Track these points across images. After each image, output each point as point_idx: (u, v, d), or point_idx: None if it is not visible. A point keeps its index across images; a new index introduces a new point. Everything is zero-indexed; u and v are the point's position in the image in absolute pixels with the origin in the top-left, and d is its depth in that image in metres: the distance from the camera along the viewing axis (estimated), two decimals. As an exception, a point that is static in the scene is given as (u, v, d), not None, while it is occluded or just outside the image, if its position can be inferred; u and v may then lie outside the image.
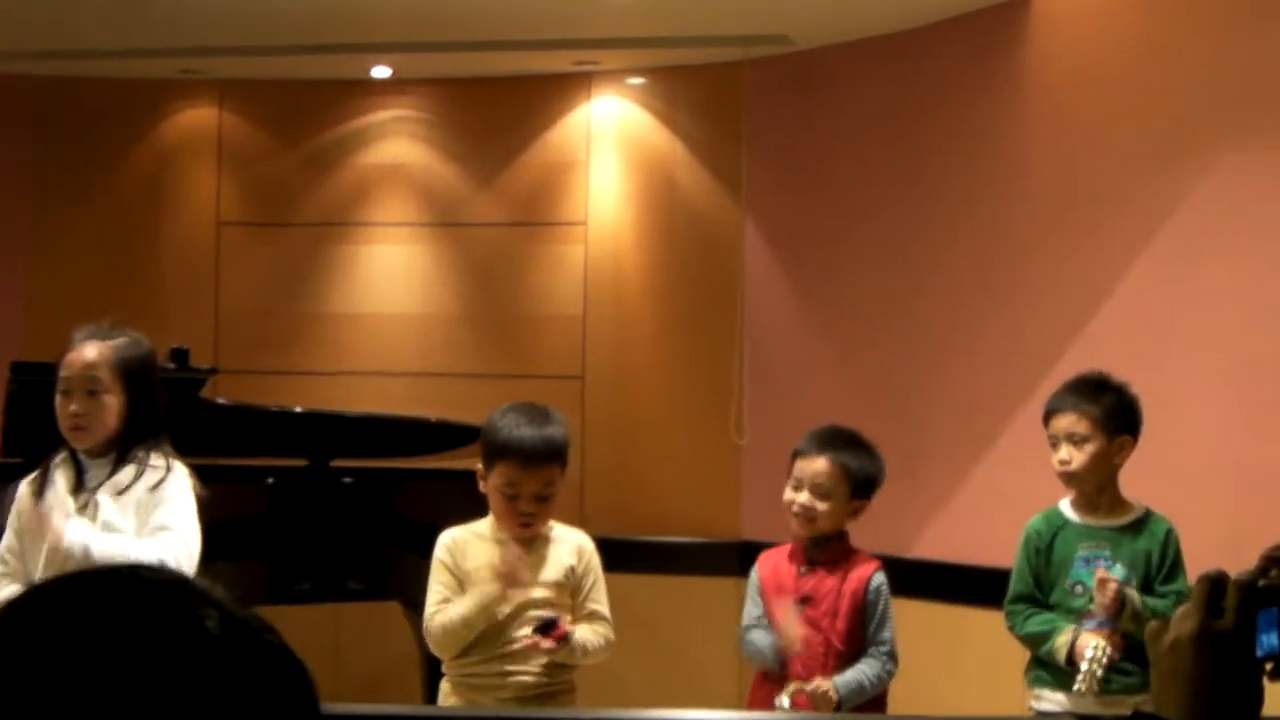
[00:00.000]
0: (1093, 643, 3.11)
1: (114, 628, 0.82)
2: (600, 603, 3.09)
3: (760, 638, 3.16)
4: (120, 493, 2.83)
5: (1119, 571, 3.15)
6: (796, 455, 3.22)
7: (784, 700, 3.04)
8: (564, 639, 2.95)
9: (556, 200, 5.76)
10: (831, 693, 3.04)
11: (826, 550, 3.18)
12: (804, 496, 3.14)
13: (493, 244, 5.80)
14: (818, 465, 3.16)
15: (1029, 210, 4.55)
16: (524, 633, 2.99)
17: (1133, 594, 3.17)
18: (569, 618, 3.03)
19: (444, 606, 3.00)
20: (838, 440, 3.23)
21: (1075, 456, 3.22)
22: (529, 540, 3.04)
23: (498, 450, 2.98)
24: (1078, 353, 4.20)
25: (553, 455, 2.99)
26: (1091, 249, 4.34)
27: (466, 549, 3.03)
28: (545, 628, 2.96)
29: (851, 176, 5.23)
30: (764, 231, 5.55)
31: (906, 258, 4.98)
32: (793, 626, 3.10)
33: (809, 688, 3.03)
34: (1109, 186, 4.35)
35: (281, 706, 0.84)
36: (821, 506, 3.12)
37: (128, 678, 0.80)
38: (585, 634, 3.02)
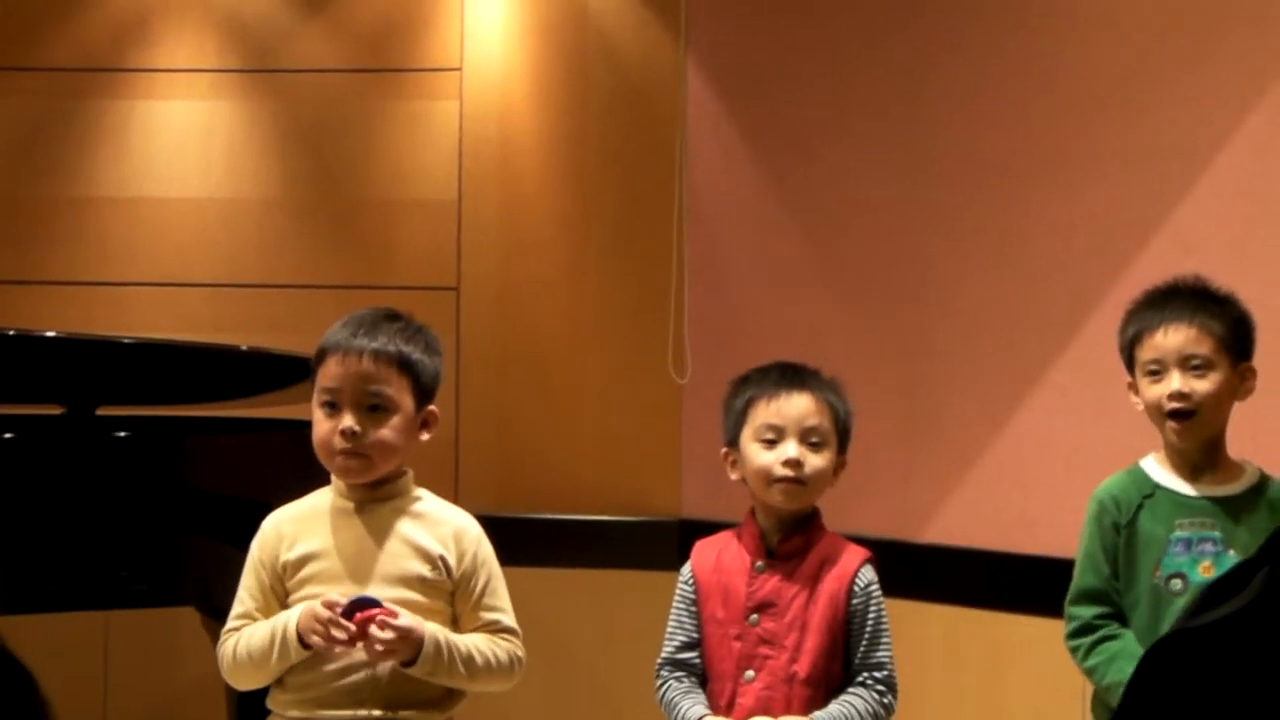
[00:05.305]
0: None
1: None
2: (501, 610, 2.86)
3: (689, 708, 2.94)
4: None
5: (1231, 560, 2.89)
6: (749, 402, 3.01)
7: None
8: (402, 631, 2.69)
9: (419, 37, 5.49)
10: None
11: (797, 535, 2.98)
12: (793, 449, 2.96)
13: (327, 99, 5.50)
14: (803, 405, 2.98)
15: (1096, 54, 4.24)
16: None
17: None
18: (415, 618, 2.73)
19: (243, 624, 2.82)
20: (808, 373, 3.05)
21: (1196, 389, 2.92)
22: (368, 503, 2.82)
23: (318, 354, 2.86)
24: (1162, 246, 4.00)
25: (388, 347, 2.83)
26: (1181, 103, 4.04)
27: (297, 534, 2.84)
28: (355, 608, 2.68)
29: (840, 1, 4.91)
30: (713, 80, 5.28)
31: (918, 116, 4.69)
32: None
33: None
34: (1214, 17, 4.01)
35: None
36: (819, 462, 2.96)
37: None
38: (476, 641, 2.80)
